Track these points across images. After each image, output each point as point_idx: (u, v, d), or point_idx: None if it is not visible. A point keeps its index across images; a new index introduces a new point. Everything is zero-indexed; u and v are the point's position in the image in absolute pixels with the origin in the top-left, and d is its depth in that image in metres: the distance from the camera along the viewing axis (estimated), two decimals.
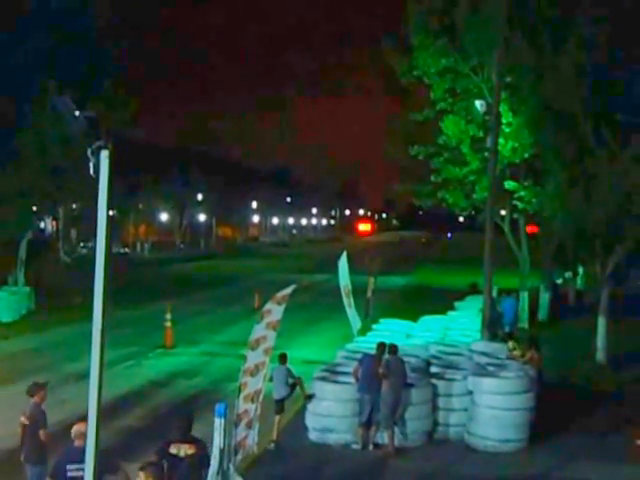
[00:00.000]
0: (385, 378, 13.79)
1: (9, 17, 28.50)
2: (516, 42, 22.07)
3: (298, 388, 14.25)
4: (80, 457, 6.61)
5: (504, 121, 25.31)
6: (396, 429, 13.93)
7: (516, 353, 16.42)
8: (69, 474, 8.18)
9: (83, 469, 7.44)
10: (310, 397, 14.37)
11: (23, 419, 10.37)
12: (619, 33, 19.99)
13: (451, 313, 25.59)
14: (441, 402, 14.54)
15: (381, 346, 14.42)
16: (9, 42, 27.99)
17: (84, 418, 5.92)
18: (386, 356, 14.16)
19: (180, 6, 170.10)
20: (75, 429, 8.44)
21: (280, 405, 14.01)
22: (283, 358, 14.15)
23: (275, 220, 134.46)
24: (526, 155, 26.15)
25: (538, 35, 22.07)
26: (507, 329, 23.34)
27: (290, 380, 14.07)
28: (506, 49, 21.87)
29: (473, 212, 30.31)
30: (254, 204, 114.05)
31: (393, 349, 14.24)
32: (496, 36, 21.93)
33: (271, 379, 13.84)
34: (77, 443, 8.22)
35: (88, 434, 5.62)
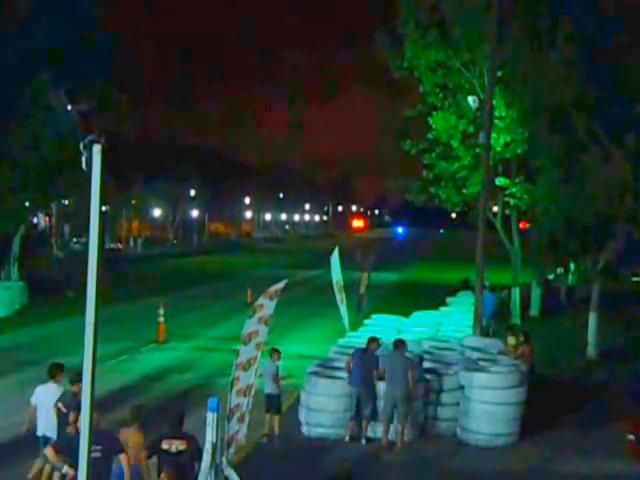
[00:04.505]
0: (382, 375, 13.85)
1: (2, 11, 28.39)
2: (507, 37, 22.09)
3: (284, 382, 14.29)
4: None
5: (496, 115, 25.31)
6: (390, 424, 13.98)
7: (509, 348, 16.48)
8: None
9: (97, 450, 8.06)
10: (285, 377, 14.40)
11: (60, 405, 10.51)
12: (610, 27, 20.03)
13: (443, 309, 25.66)
14: (433, 397, 14.61)
15: (373, 341, 14.47)
16: (2, 37, 27.88)
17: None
18: (377, 352, 14.22)
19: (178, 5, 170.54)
20: None
21: (271, 402, 13.94)
22: (276, 354, 14.14)
23: (268, 216, 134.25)
24: (519, 150, 26.16)
25: (529, 30, 22.09)
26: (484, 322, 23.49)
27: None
28: (497, 44, 21.87)
29: (465, 208, 30.32)
30: (247, 200, 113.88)
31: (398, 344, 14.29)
32: (485, 31, 21.92)
33: (262, 374, 13.87)
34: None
35: (82, 427, 5.66)
